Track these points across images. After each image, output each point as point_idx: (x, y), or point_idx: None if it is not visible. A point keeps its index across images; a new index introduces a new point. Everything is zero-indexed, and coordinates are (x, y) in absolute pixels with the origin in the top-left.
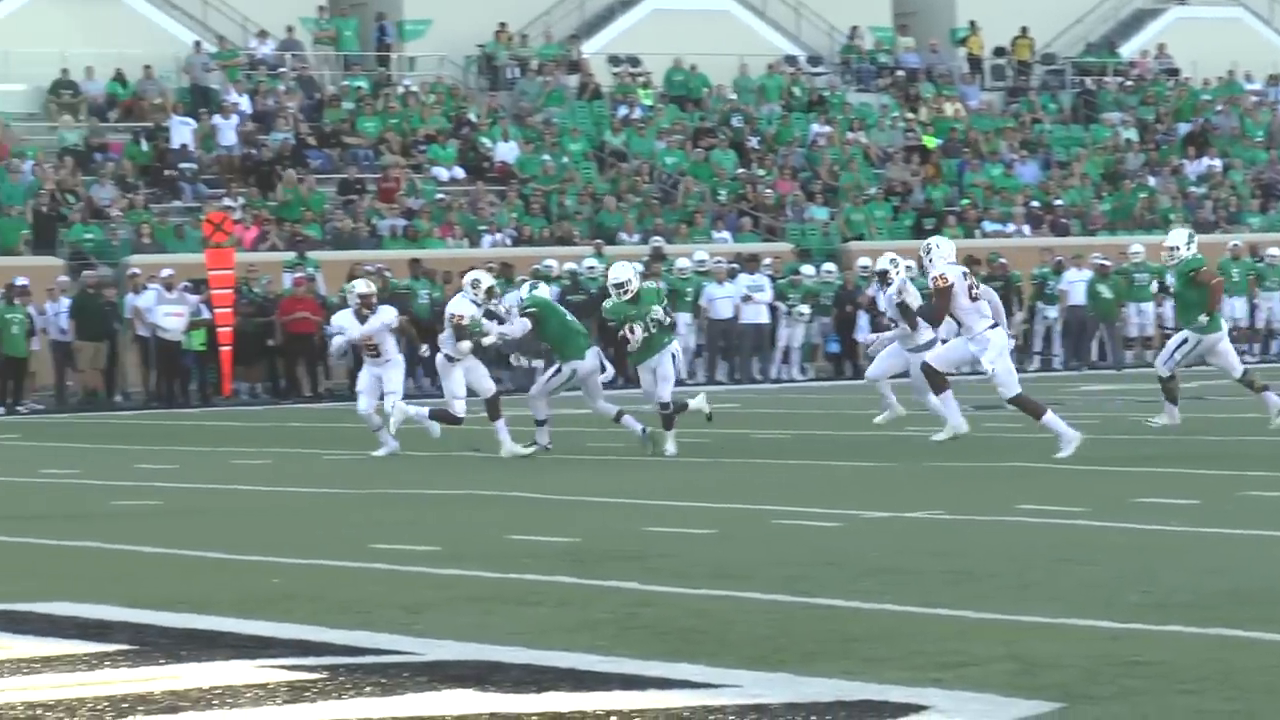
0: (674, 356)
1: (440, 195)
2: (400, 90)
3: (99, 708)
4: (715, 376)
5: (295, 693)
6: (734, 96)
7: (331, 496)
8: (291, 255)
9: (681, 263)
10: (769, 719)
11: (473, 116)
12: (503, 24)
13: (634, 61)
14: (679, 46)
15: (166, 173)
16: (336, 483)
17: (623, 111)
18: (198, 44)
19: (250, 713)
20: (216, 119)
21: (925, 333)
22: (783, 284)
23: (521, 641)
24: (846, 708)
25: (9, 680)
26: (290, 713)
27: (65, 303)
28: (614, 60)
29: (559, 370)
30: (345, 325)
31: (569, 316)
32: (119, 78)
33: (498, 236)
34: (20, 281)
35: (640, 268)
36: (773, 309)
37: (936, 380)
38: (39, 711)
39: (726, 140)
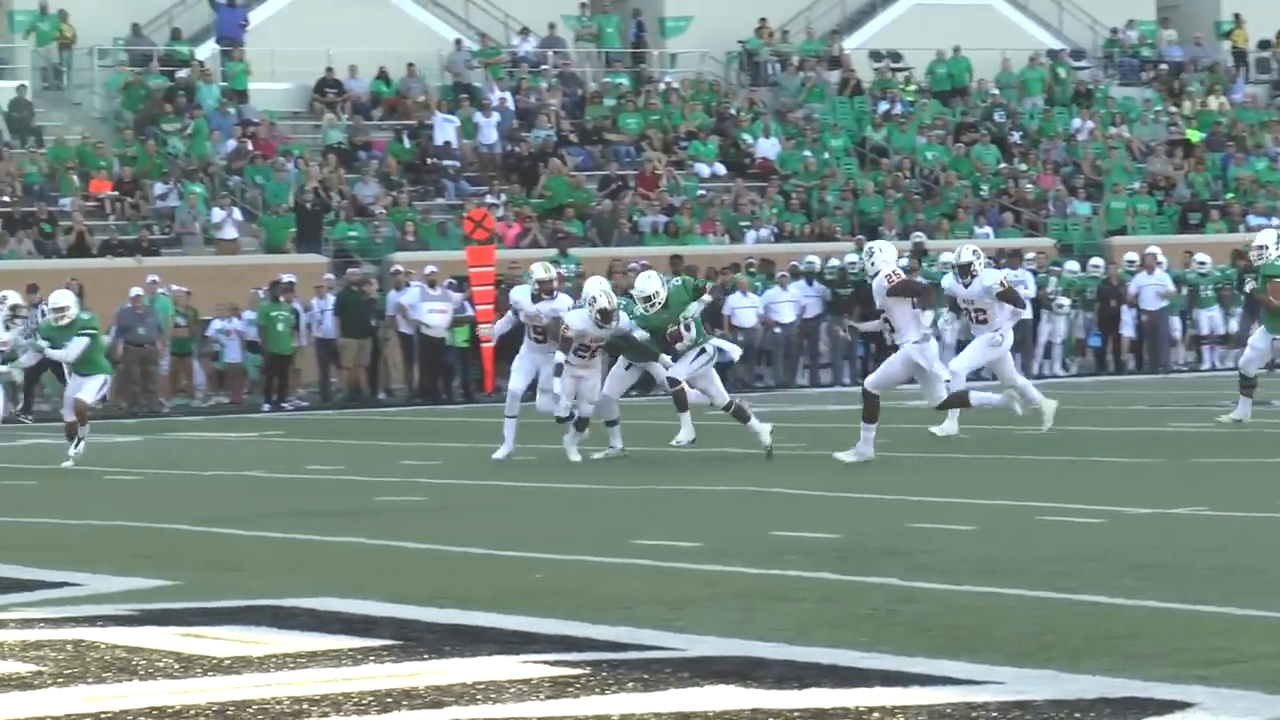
0: (713, 352)
1: (701, 191)
2: (661, 87)
3: (364, 702)
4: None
5: (558, 688)
6: (996, 91)
7: (592, 492)
8: (553, 252)
9: (945, 258)
10: (1033, 716)
11: (734, 112)
12: (763, 20)
13: (895, 57)
14: (940, 41)
15: (429, 163)
16: (597, 479)
17: (884, 107)
18: (459, 42)
19: (514, 708)
20: (478, 116)
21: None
22: (1041, 276)
23: (783, 638)
24: (1111, 705)
25: (275, 675)
26: (553, 708)
27: (330, 300)
28: (875, 56)
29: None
30: (521, 302)
31: None
32: (382, 76)
33: (760, 233)
34: (286, 279)
35: (656, 273)
36: (1035, 304)
37: (870, 406)
38: (304, 705)
39: (988, 135)
